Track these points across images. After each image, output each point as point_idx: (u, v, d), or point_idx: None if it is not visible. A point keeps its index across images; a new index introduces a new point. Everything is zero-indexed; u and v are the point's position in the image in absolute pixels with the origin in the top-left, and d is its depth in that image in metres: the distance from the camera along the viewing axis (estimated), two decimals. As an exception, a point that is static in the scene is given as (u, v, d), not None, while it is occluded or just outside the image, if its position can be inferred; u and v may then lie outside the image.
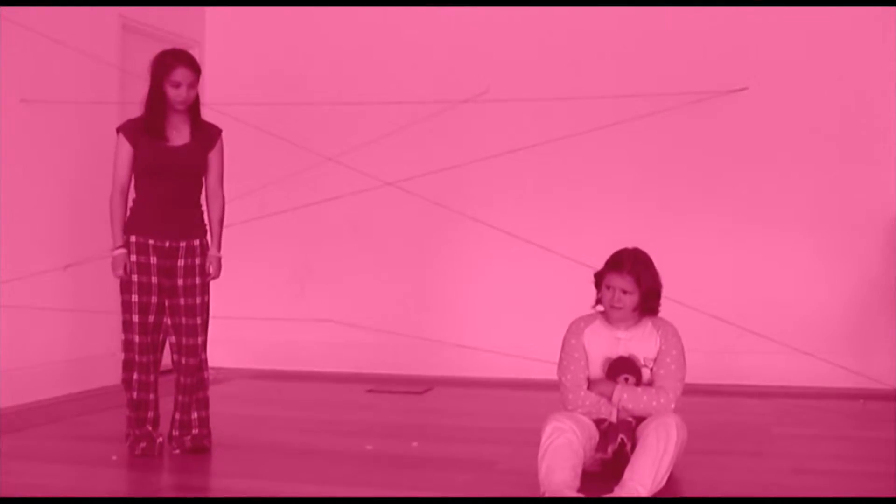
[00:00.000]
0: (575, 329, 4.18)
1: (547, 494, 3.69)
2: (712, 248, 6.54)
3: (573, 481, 3.71)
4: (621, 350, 4.11)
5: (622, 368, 4.08)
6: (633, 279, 4.05)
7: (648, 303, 4.10)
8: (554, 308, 6.70)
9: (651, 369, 4.08)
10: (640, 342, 4.10)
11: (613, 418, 3.99)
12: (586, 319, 4.19)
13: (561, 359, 4.16)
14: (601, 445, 3.96)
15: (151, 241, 4.43)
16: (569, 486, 3.67)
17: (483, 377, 6.66)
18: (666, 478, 3.74)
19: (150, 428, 4.50)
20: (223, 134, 4.63)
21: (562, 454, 3.76)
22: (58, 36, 5.78)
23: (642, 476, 3.67)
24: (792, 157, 6.47)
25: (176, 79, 4.36)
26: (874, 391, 5.83)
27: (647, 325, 4.12)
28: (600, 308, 4.18)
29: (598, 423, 4.00)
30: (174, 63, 4.38)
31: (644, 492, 3.64)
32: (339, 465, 4.36)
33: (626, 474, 3.70)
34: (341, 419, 5.45)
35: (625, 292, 4.05)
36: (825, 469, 4.28)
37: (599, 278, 4.15)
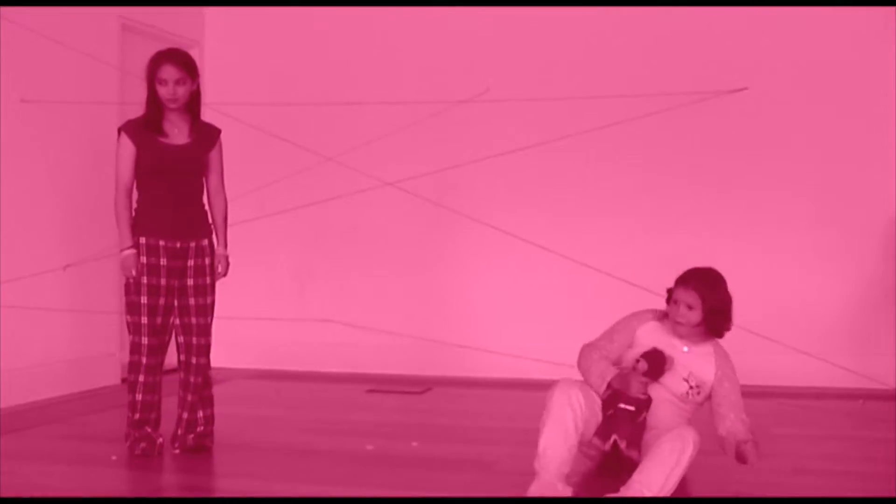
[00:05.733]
0: (641, 316, 4.17)
1: (541, 474, 3.71)
2: (712, 248, 6.51)
3: (565, 465, 3.73)
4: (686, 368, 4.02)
5: (652, 358, 3.98)
6: (697, 295, 4.00)
7: (712, 321, 4.04)
8: (554, 308, 6.73)
9: (692, 386, 4.01)
10: (695, 359, 4.04)
11: (601, 395, 3.91)
12: (656, 314, 4.17)
13: (609, 328, 4.14)
14: (601, 431, 3.90)
15: (162, 243, 4.43)
16: (560, 475, 3.70)
17: (483, 377, 6.66)
18: (672, 490, 3.66)
19: (149, 429, 4.50)
20: (222, 134, 4.64)
21: (562, 428, 3.76)
22: (58, 36, 5.78)
23: (650, 482, 3.62)
24: (792, 156, 6.47)
25: (162, 76, 4.39)
26: (874, 391, 5.83)
27: (708, 348, 4.07)
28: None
29: (605, 406, 3.94)
30: (159, 61, 4.41)
31: (650, 495, 3.60)
32: (339, 465, 4.36)
33: (635, 477, 3.66)
34: (341, 419, 5.45)
35: (689, 308, 4.01)
36: (825, 469, 4.28)
37: (670, 293, 4.12)
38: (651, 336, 4.09)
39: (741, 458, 3.86)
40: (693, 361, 4.04)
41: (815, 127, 6.42)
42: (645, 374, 3.95)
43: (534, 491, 3.71)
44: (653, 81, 6.42)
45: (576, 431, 3.78)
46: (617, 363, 4.07)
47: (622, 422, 3.88)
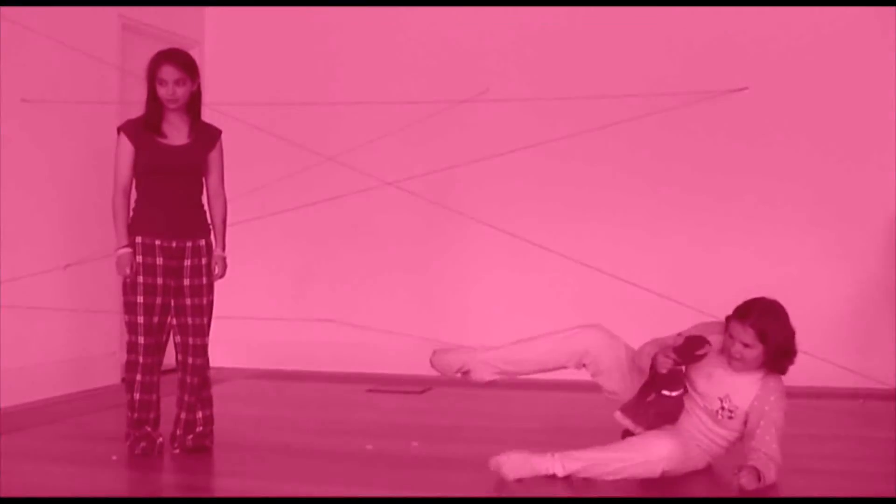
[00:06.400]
0: (710, 327, 4.01)
1: (468, 366, 4.19)
2: (712, 248, 6.54)
3: (494, 368, 4.15)
4: (716, 378, 3.94)
5: (690, 339, 3.91)
6: (755, 333, 3.81)
7: (777, 362, 3.88)
8: (554, 308, 6.72)
9: (724, 408, 3.93)
10: (737, 383, 3.93)
11: (645, 365, 3.95)
12: (721, 330, 3.98)
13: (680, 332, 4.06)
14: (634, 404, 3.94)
15: (158, 242, 4.43)
16: (496, 368, 4.13)
17: (483, 377, 6.65)
18: (590, 477, 3.83)
19: (149, 429, 4.50)
20: (222, 135, 4.64)
21: (543, 346, 4.05)
22: (58, 36, 5.78)
23: (573, 461, 3.83)
24: (792, 156, 6.48)
25: (162, 76, 4.39)
26: (874, 391, 5.83)
27: (756, 375, 3.93)
28: None
29: (642, 389, 3.94)
30: (159, 61, 4.41)
31: (558, 474, 3.83)
32: (339, 465, 4.36)
33: (578, 452, 3.85)
34: (341, 419, 5.45)
35: (745, 346, 3.83)
36: (825, 469, 4.28)
37: (727, 322, 3.94)
38: (711, 363, 3.96)
39: (738, 480, 3.81)
40: (733, 385, 3.93)
41: (815, 127, 6.42)
42: (675, 350, 3.88)
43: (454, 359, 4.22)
44: (652, 81, 6.43)
45: (545, 360, 4.09)
46: None
47: (641, 405, 3.91)
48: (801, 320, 6.19)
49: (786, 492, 3.88)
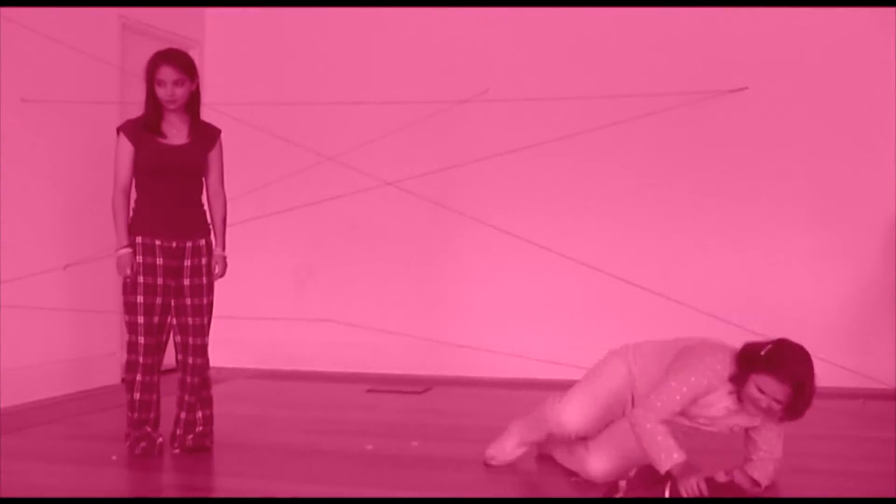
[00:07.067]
0: (714, 376, 3.71)
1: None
2: (712, 248, 6.54)
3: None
4: (721, 421, 3.78)
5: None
6: (791, 389, 3.56)
7: (794, 411, 3.65)
8: (554, 307, 6.73)
9: (735, 432, 3.87)
10: (743, 413, 3.79)
11: (665, 494, 3.65)
12: (728, 371, 3.71)
13: (684, 382, 3.70)
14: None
15: (158, 242, 4.43)
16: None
17: (483, 377, 6.66)
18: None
19: (149, 429, 4.50)
20: (222, 134, 4.64)
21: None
22: (58, 36, 5.78)
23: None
24: (792, 156, 6.47)
25: (160, 77, 4.39)
26: (874, 391, 5.83)
27: None
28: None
29: (651, 478, 3.74)
30: (158, 61, 4.41)
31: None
32: (339, 465, 4.36)
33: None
34: (341, 419, 5.45)
35: (778, 402, 3.59)
36: (825, 469, 4.28)
37: (748, 367, 3.64)
38: (717, 406, 3.76)
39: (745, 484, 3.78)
40: (741, 415, 3.81)
41: (815, 127, 6.42)
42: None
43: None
44: (653, 81, 6.43)
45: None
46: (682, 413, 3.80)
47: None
48: (801, 320, 6.24)
49: (786, 492, 3.88)
